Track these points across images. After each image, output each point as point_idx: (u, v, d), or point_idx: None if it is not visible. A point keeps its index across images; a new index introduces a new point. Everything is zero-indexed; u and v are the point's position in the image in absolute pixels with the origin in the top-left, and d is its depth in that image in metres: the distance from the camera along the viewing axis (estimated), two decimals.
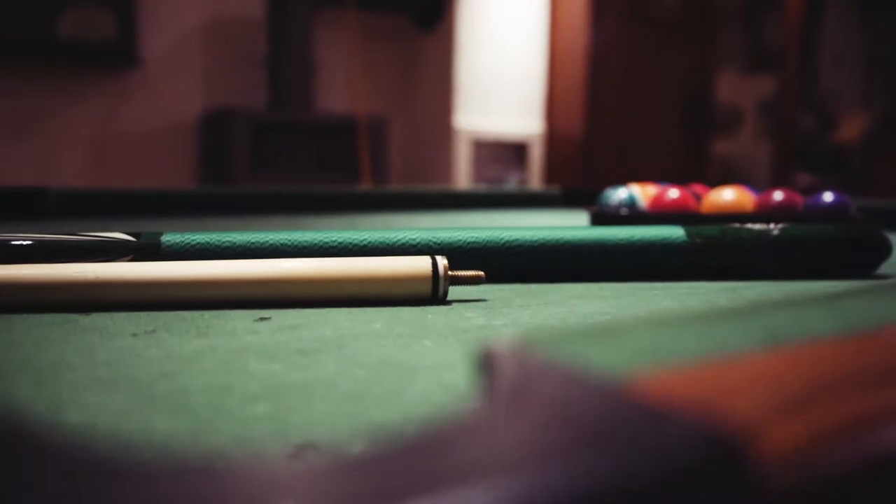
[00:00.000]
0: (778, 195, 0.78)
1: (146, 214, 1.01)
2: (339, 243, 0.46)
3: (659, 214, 0.76)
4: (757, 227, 0.51)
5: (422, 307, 0.39)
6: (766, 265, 0.50)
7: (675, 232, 0.50)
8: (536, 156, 3.51)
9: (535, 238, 0.48)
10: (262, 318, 0.36)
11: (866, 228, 0.52)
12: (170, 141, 3.05)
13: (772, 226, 0.51)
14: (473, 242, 0.47)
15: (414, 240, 0.47)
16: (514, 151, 3.50)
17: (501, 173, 3.40)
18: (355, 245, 0.46)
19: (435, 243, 0.47)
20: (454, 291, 0.43)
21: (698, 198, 0.82)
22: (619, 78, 3.36)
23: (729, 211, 0.77)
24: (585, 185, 2.25)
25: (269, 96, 3.04)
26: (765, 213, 0.78)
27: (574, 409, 0.13)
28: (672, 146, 3.54)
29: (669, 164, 3.47)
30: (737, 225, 0.51)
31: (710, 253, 0.49)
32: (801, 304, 0.32)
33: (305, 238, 0.45)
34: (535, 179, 3.48)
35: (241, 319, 0.35)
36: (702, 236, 0.50)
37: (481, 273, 0.41)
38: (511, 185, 3.17)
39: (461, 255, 0.47)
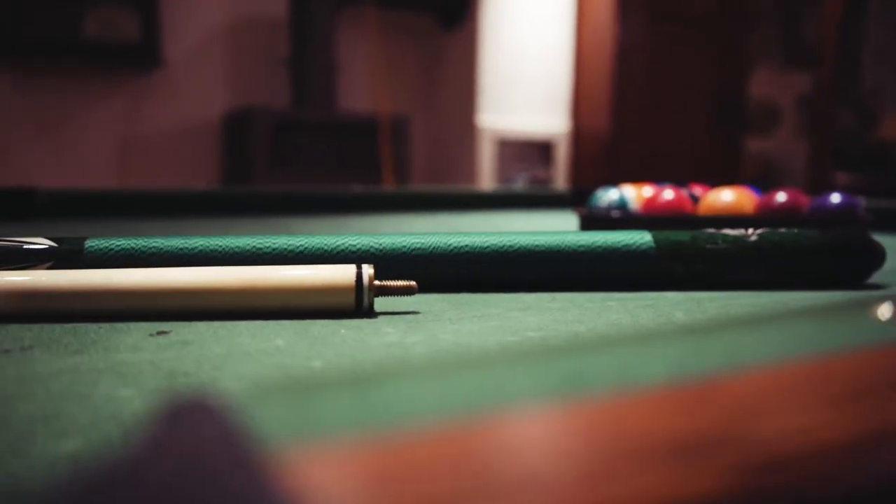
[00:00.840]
0: (781, 196, 0.74)
1: (137, 215, 1.00)
2: (274, 249, 0.43)
3: (650, 217, 0.72)
4: (733, 232, 0.47)
5: (339, 321, 0.36)
6: (743, 274, 0.46)
7: (642, 238, 0.46)
8: (562, 154, 3.45)
9: (485, 244, 0.44)
10: (161, 332, 0.33)
11: (856, 234, 0.47)
12: (193, 141, 3.07)
13: (749, 231, 0.47)
14: (418, 249, 0.44)
15: (354, 246, 0.44)
16: (540, 150, 3.45)
17: (510, 172, 3.35)
18: (290, 251, 0.43)
19: (377, 250, 0.44)
20: (385, 303, 0.40)
21: (695, 199, 0.77)
22: (647, 75, 3.29)
23: (727, 213, 0.73)
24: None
25: (291, 96, 3.04)
26: (766, 215, 0.73)
27: (189, 485, 0.10)
28: (702, 145, 3.46)
29: (699, 163, 3.39)
30: (711, 230, 0.47)
31: (680, 260, 0.46)
32: (730, 326, 0.28)
33: (238, 244, 0.43)
34: (560, 178, 3.43)
35: (136, 333, 0.33)
36: (670, 242, 0.46)
37: (412, 283, 0.38)
38: (518, 184, 3.12)
39: (406, 262, 0.44)
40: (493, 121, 3.31)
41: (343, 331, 0.34)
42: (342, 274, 0.37)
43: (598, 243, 0.45)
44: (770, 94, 4.92)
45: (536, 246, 0.45)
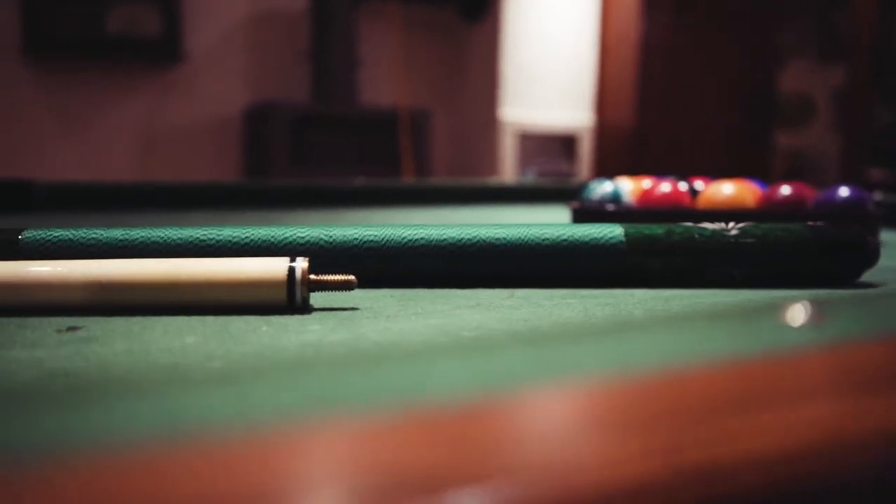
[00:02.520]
0: (785, 189, 0.70)
1: (137, 208, 0.99)
2: (218, 241, 0.41)
3: (645, 210, 0.69)
4: (712, 226, 0.43)
5: (268, 317, 0.33)
6: (724, 270, 0.43)
7: (611, 231, 0.43)
8: (586, 148, 3.40)
9: (442, 237, 0.42)
10: (72, 328, 0.31)
11: (847, 229, 0.44)
12: (215, 135, 3.08)
13: (730, 225, 0.44)
14: (371, 241, 0.41)
15: (303, 238, 0.41)
16: (563, 144, 3.40)
17: (527, 166, 3.31)
18: (236, 243, 0.41)
19: (327, 242, 0.41)
20: (328, 298, 0.38)
21: (694, 192, 0.74)
22: (672, 68, 3.22)
23: (726, 207, 0.69)
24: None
25: (312, 90, 3.04)
26: (768, 209, 0.69)
27: None
28: (730, 139, 3.38)
29: (727, 157, 3.32)
30: (689, 224, 0.44)
31: (653, 255, 0.43)
32: (653, 326, 0.26)
33: (181, 235, 0.41)
34: (584, 172, 3.38)
35: (42, 329, 0.31)
36: (642, 237, 0.43)
37: (351, 278, 0.35)
38: (528, 178, 3.08)
39: (357, 255, 0.41)
40: (515, 114, 3.27)
41: (265, 328, 0.32)
42: (273, 267, 0.34)
43: (565, 237, 0.42)
44: (805, 87, 4.80)
45: (497, 240, 0.42)
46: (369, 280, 0.42)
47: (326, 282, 0.35)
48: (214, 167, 3.07)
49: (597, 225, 0.44)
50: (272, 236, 0.41)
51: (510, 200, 1.17)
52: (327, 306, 0.36)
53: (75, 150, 2.88)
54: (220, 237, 0.41)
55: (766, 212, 0.67)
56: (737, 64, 3.36)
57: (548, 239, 0.42)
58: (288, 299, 0.34)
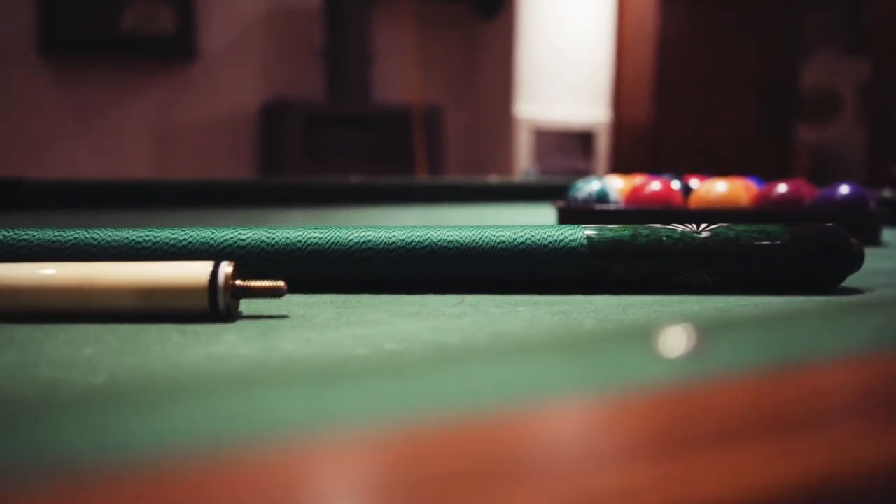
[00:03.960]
0: (781, 188, 0.67)
1: (127, 206, 0.98)
2: (155, 242, 0.39)
3: (633, 210, 0.66)
4: (681, 228, 0.41)
5: (183, 326, 0.31)
6: (693, 275, 0.40)
7: (572, 234, 0.40)
8: (603, 145, 3.35)
9: (390, 240, 0.40)
10: None
11: (828, 230, 0.41)
12: (230, 132, 3.08)
13: (702, 226, 0.41)
14: (315, 243, 0.39)
15: (244, 240, 0.39)
16: (579, 140, 3.36)
17: (547, 163, 3.26)
18: (172, 245, 0.39)
19: (268, 244, 0.39)
20: (258, 306, 0.36)
21: (688, 191, 0.71)
22: (692, 63, 3.17)
23: (719, 206, 0.66)
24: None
25: (326, 87, 3.03)
26: (763, 208, 0.66)
27: None
28: (751, 135, 3.31)
29: (748, 154, 3.25)
30: (657, 226, 0.41)
31: (616, 260, 0.40)
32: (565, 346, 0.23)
33: (115, 237, 0.39)
34: (601, 169, 3.34)
35: None
36: (605, 239, 0.40)
37: (279, 284, 0.33)
38: (530, 176, 3.03)
39: (300, 258, 0.39)
40: (530, 111, 3.23)
41: (175, 337, 0.30)
42: (195, 272, 0.32)
43: (521, 240, 0.40)
44: (830, 81, 4.70)
45: (449, 242, 0.40)
46: (315, 285, 0.40)
47: (253, 288, 0.33)
48: (229, 165, 3.08)
49: (558, 227, 0.41)
50: (212, 238, 0.39)
51: (505, 199, 1.15)
52: (257, 314, 0.34)
53: (91, 148, 2.90)
54: (158, 239, 0.39)
55: (759, 211, 0.64)
56: (758, 57, 3.30)
57: (503, 242, 0.40)
58: (210, 307, 0.32)
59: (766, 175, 0.87)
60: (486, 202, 1.16)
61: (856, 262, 0.40)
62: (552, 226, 0.41)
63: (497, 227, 0.41)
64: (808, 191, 0.68)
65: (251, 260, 0.39)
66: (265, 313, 0.34)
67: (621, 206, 0.68)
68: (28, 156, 2.80)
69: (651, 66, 3.15)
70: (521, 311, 0.36)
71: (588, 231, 0.40)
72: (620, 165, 3.27)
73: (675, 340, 0.17)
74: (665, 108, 3.16)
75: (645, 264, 0.40)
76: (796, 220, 0.61)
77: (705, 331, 0.21)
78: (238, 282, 0.33)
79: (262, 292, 0.33)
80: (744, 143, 3.29)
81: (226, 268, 0.33)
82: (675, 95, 3.16)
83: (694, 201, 0.67)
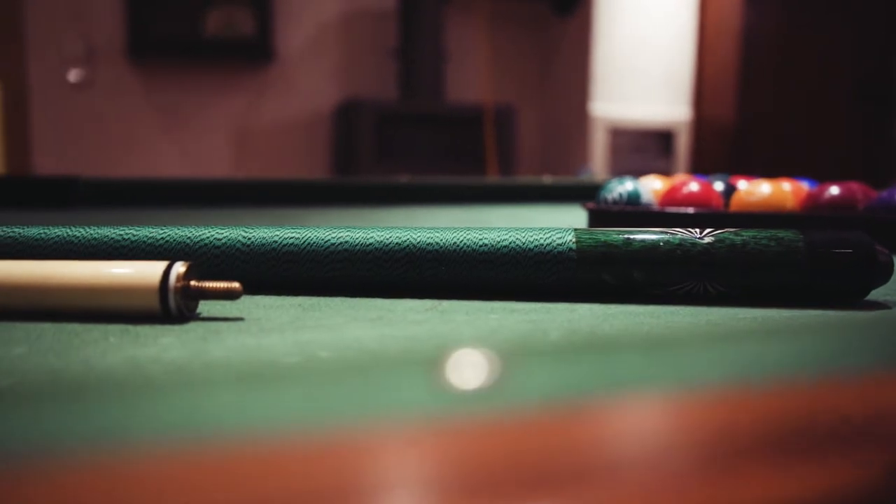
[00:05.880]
0: (832, 190, 0.61)
1: (174, 204, 1.00)
2: (133, 241, 0.39)
3: (661, 212, 0.62)
4: (681, 233, 0.37)
5: (124, 326, 0.31)
6: (692, 285, 0.37)
7: (561, 238, 0.38)
8: (683, 144, 3.24)
9: (367, 241, 0.38)
10: None
11: (850, 238, 0.37)
12: (306, 132, 3.15)
13: (705, 232, 0.37)
14: (290, 243, 0.38)
15: (220, 239, 0.39)
16: (658, 140, 3.26)
17: (623, 163, 3.17)
18: (150, 244, 0.39)
19: (244, 244, 0.38)
20: (219, 308, 0.35)
21: (729, 193, 0.66)
22: (778, 58, 3.01)
23: (761, 210, 0.62)
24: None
25: (399, 86, 3.05)
26: (810, 212, 0.61)
27: None
28: (842, 134, 3.13)
29: (837, 153, 3.07)
30: (656, 230, 0.38)
31: (606, 267, 0.37)
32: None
33: (95, 235, 0.39)
34: (680, 169, 3.22)
35: None
36: (596, 244, 0.37)
37: (236, 285, 0.32)
38: (586, 175, 2.94)
39: (276, 257, 0.38)
40: (606, 109, 3.16)
41: (113, 339, 0.29)
42: (147, 272, 0.32)
43: (505, 243, 0.38)
44: None
45: (428, 245, 0.38)
46: (291, 286, 0.39)
47: (206, 289, 0.32)
48: (305, 164, 3.14)
49: (547, 230, 0.39)
50: (188, 237, 0.39)
51: (556, 200, 1.11)
52: (215, 315, 0.33)
53: (174, 148, 3.02)
54: (137, 237, 0.39)
55: (801, 215, 0.59)
56: (852, 50, 3.11)
57: (486, 245, 0.38)
58: (163, 308, 0.32)
59: (862, 177, 0.80)
60: (538, 202, 1.13)
61: (882, 273, 0.36)
62: (541, 229, 0.39)
63: (482, 229, 0.39)
64: (864, 194, 0.62)
65: (227, 260, 0.38)
66: (223, 315, 0.34)
67: (653, 207, 0.64)
68: (114, 155, 2.94)
69: (735, 61, 3.02)
70: (491, 319, 0.33)
71: (578, 235, 0.38)
72: (701, 166, 3.15)
73: (474, 369, 0.15)
74: (750, 106, 3.02)
75: (639, 272, 0.37)
76: (842, 225, 0.56)
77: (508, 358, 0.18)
78: (192, 282, 0.32)
79: (216, 294, 0.32)
80: (837, 143, 3.11)
81: (178, 268, 0.32)
82: (760, 92, 3.02)
83: (734, 204, 0.63)
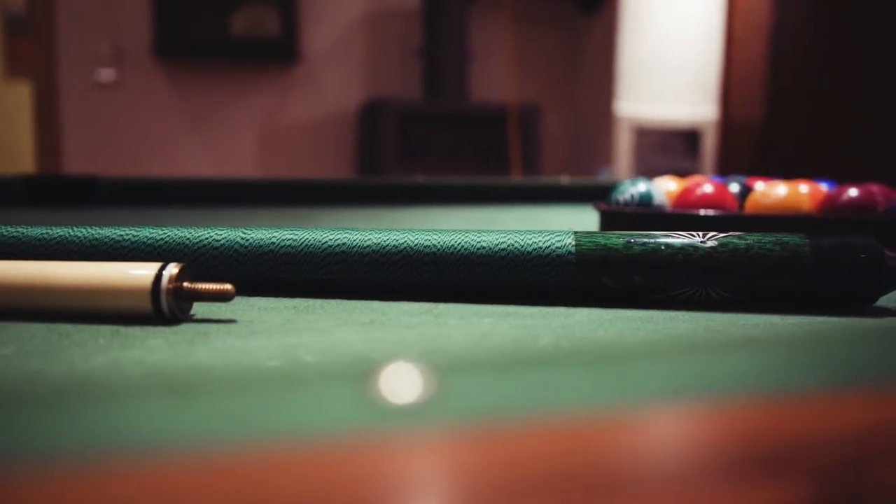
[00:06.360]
0: (851, 192, 0.60)
1: (191, 204, 1.01)
2: (133, 242, 0.39)
3: (671, 214, 0.61)
4: (682, 237, 0.37)
5: (116, 327, 0.31)
6: (694, 290, 0.36)
7: (560, 241, 0.37)
8: (709, 144, 3.20)
9: (365, 243, 0.38)
10: None
11: (857, 243, 0.36)
12: (331, 132, 3.16)
13: (708, 236, 0.37)
14: (288, 245, 0.38)
15: (219, 240, 0.39)
16: (684, 139, 3.22)
17: (650, 162, 3.14)
18: (149, 245, 0.39)
19: (241, 245, 0.38)
20: (214, 309, 0.35)
21: (744, 195, 0.65)
22: (807, 56, 2.96)
23: (776, 212, 0.60)
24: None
25: (423, 86, 3.05)
26: (827, 214, 0.60)
27: None
28: (873, 135, 3.06)
29: (867, 155, 3.01)
30: (658, 234, 0.37)
31: (605, 271, 0.37)
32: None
33: (97, 235, 0.39)
34: (706, 169, 3.18)
35: None
36: (596, 248, 0.37)
37: (228, 287, 0.32)
38: (607, 175, 2.91)
39: (273, 259, 0.38)
40: (632, 109, 3.13)
41: (102, 340, 0.29)
42: (140, 274, 0.32)
43: (503, 246, 0.37)
44: None
45: (425, 247, 0.37)
46: (288, 288, 0.39)
47: (199, 291, 0.32)
48: (330, 164, 3.16)
49: (547, 232, 0.38)
50: (187, 238, 0.39)
51: (573, 200, 1.10)
52: (209, 317, 0.33)
53: (201, 147, 3.05)
54: (137, 238, 0.39)
55: (816, 218, 0.58)
56: (883, 49, 3.04)
57: (484, 248, 0.37)
58: (155, 309, 0.32)
59: (893, 179, 0.79)
60: (555, 203, 1.12)
61: (890, 279, 0.35)
62: (541, 232, 0.38)
63: (481, 231, 0.38)
64: (885, 196, 0.60)
65: (225, 261, 0.38)
66: (217, 317, 0.33)
67: (666, 209, 0.63)
68: (141, 154, 2.98)
69: (763, 59, 2.97)
70: (484, 323, 0.33)
71: (578, 238, 0.37)
72: (727, 166, 3.11)
73: (409, 382, 0.15)
74: (778, 106, 2.97)
75: (639, 277, 0.36)
76: (857, 228, 0.54)
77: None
78: (185, 284, 0.32)
79: (208, 295, 0.32)
80: (868, 144, 3.04)
81: (171, 269, 0.32)
82: (789, 92, 2.97)
83: (749, 206, 0.62)
